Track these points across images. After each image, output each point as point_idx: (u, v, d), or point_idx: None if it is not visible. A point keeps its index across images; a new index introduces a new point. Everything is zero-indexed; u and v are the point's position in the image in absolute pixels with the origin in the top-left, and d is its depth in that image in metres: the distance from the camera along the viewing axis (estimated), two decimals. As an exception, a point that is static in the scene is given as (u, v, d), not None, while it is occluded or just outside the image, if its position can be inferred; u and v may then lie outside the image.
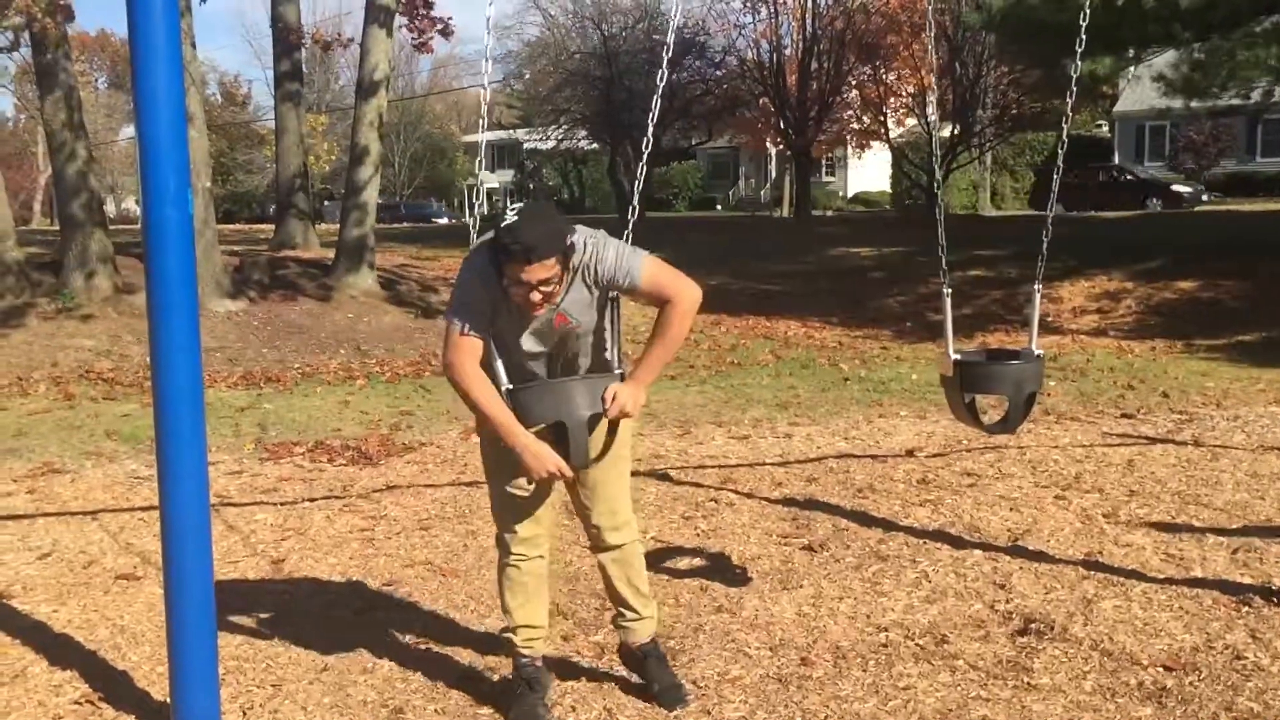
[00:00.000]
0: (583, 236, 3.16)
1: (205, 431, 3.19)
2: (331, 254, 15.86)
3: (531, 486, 3.34)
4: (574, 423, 3.21)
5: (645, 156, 3.96)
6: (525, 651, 3.48)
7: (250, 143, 51.28)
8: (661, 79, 3.84)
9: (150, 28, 2.95)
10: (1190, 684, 3.59)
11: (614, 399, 3.23)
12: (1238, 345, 11.70)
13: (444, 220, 45.68)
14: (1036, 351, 4.47)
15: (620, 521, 3.48)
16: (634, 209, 3.83)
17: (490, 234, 3.14)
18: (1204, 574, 4.65)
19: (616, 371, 3.36)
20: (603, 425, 3.31)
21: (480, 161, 4.78)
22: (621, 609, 3.58)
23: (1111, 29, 13.35)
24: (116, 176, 53.06)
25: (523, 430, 3.19)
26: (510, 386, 3.23)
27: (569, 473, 3.25)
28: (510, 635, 3.49)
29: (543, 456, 3.18)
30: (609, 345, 3.38)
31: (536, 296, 3.04)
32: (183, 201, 3.01)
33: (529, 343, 3.24)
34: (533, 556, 3.43)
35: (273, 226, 21.76)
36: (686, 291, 3.23)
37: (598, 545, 3.51)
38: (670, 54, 4.14)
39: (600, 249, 3.15)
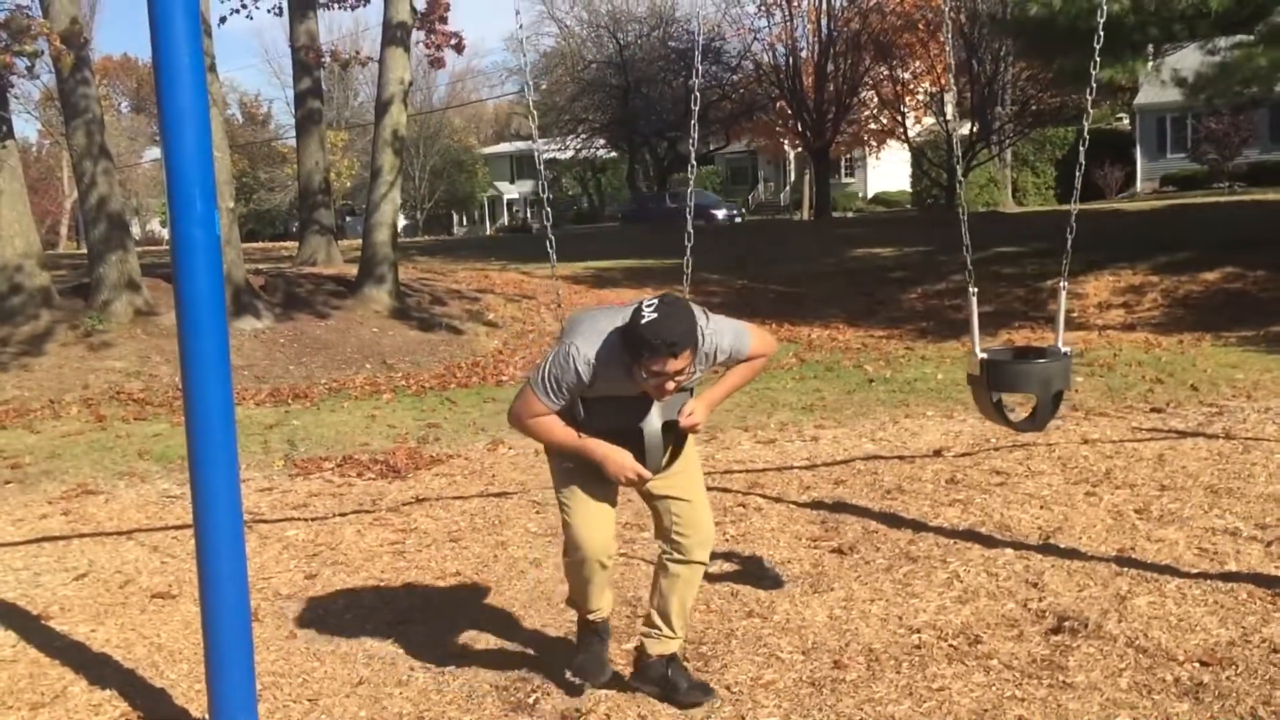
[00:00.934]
0: (699, 325, 3.36)
1: (237, 449, 3.23)
2: (353, 270, 15.96)
3: (604, 515, 3.55)
4: (650, 430, 3.44)
5: (690, 182, 4.08)
6: (597, 619, 3.72)
7: (271, 161, 51.64)
8: (695, 103, 3.93)
9: (174, 51, 2.99)
10: (1227, 678, 3.57)
11: (690, 414, 3.49)
12: (1267, 336, 11.58)
13: (722, 214, 36.63)
14: (1064, 349, 4.46)
15: (708, 537, 3.64)
16: (689, 235, 4.01)
17: (600, 324, 3.36)
18: (1238, 568, 4.61)
19: (689, 387, 3.56)
20: (676, 434, 3.54)
21: (541, 176, 4.74)
22: (661, 622, 3.66)
23: (1134, 30, 13.28)
24: (141, 198, 53.58)
25: (602, 443, 3.42)
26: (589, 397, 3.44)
27: (648, 475, 3.46)
28: (586, 612, 3.71)
29: (623, 463, 3.41)
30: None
31: (671, 385, 3.28)
32: (210, 222, 3.05)
33: (638, 403, 3.44)
34: (610, 568, 3.59)
35: (296, 244, 21.90)
36: (772, 349, 3.72)
37: (682, 557, 3.60)
38: (699, 78, 4.18)
39: (718, 338, 3.45)
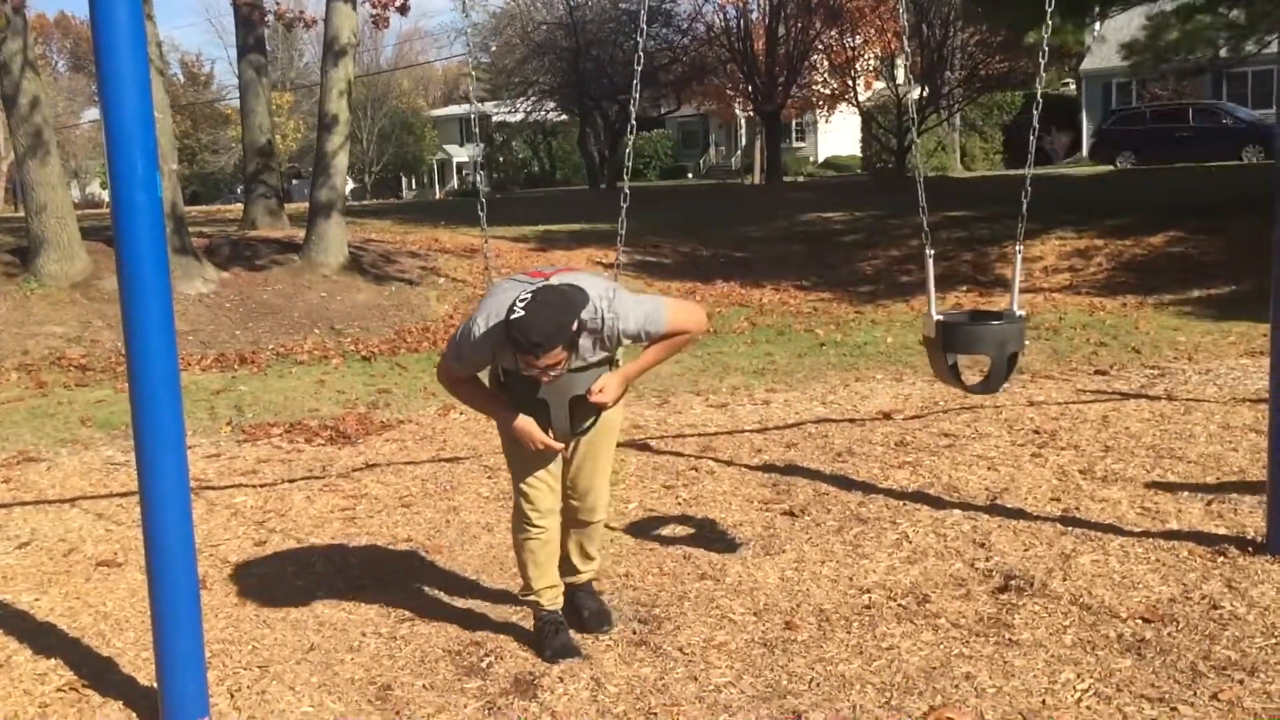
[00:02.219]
0: (599, 309, 3.32)
1: (183, 415, 3.18)
2: (301, 233, 15.69)
3: (542, 472, 3.65)
4: (555, 401, 3.52)
5: (629, 163, 4.10)
6: (551, 608, 3.79)
7: (215, 123, 50.59)
8: (638, 62, 3.91)
9: (112, 7, 2.90)
10: (1168, 635, 3.64)
11: (600, 390, 3.50)
12: (1208, 299, 11.79)
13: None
14: (1018, 312, 4.50)
15: (600, 505, 3.87)
16: (625, 194, 4.05)
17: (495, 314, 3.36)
18: (1180, 526, 4.71)
19: (611, 359, 3.59)
20: (588, 408, 3.58)
21: (478, 141, 4.70)
22: (569, 565, 3.95)
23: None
24: (80, 160, 52.29)
25: (509, 413, 3.54)
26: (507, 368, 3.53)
27: (556, 445, 3.58)
28: (536, 599, 3.78)
29: (531, 434, 3.52)
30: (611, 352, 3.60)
31: (545, 378, 3.33)
32: (152, 185, 2.98)
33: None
34: (551, 527, 3.72)
35: (241, 207, 21.53)
36: (698, 324, 3.56)
37: (571, 520, 3.86)
38: (644, 42, 4.16)
39: (622, 321, 3.37)
